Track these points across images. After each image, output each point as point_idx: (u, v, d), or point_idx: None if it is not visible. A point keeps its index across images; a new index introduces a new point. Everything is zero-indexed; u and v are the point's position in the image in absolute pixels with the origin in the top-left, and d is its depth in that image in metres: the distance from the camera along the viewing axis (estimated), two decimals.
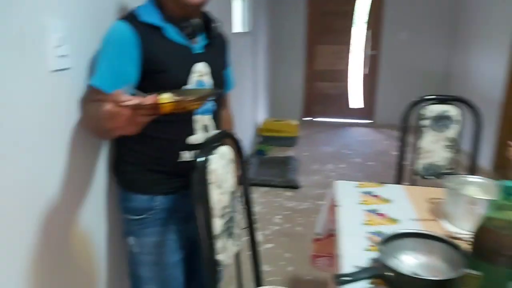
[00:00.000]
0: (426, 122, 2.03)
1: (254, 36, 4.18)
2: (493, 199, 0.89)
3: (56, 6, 0.98)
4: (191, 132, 1.18)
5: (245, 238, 1.39)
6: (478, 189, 1.36)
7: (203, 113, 1.19)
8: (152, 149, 1.18)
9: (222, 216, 1.19)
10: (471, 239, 0.91)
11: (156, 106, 0.75)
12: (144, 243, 1.23)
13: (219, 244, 1.18)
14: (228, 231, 1.24)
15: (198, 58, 1.17)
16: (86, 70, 1.12)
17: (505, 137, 3.52)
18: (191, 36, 1.16)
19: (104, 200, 1.30)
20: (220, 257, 1.19)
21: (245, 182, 1.37)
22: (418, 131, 2.04)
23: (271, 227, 2.86)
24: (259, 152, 4.27)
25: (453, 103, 2.01)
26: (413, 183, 2.03)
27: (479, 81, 4.20)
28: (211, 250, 1.14)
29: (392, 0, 5.25)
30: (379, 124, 5.60)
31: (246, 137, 4.01)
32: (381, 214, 1.35)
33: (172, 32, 1.13)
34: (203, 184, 1.10)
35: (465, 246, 0.97)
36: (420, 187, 1.63)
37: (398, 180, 2.07)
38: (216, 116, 1.27)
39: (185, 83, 1.14)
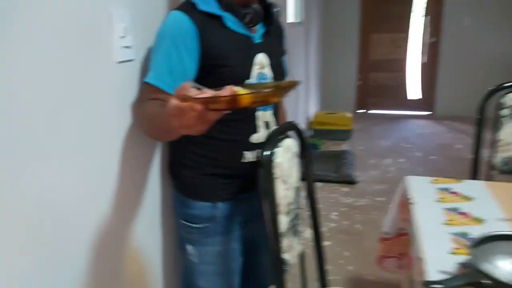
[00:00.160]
0: (506, 112, 1.82)
1: (307, 26, 4.06)
2: None
3: None
4: (254, 130, 1.09)
5: (308, 236, 1.31)
6: None
7: (265, 109, 1.11)
8: (214, 151, 1.09)
9: (288, 213, 1.12)
10: None
11: (234, 99, 0.63)
12: (204, 253, 1.14)
13: (285, 242, 1.11)
14: (294, 228, 1.17)
15: (259, 49, 1.08)
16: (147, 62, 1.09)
17: None
18: (250, 24, 1.06)
19: (158, 205, 1.22)
20: (286, 256, 1.12)
21: (309, 178, 1.28)
22: (497, 122, 1.84)
23: (327, 224, 2.75)
24: (311, 146, 4.16)
25: None
26: (489, 178, 1.83)
27: None
28: (277, 249, 1.07)
29: None
30: (440, 116, 5.27)
31: None
32: (463, 213, 1.21)
33: (232, 21, 1.03)
34: (269, 179, 1.04)
35: None
36: (504, 183, 1.46)
37: (474, 176, 1.88)
38: (277, 112, 1.19)
39: (247, 77, 1.05)
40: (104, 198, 0.95)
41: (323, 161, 3.72)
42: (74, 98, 0.82)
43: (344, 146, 4.25)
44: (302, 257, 1.29)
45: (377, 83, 5.49)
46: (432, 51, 5.20)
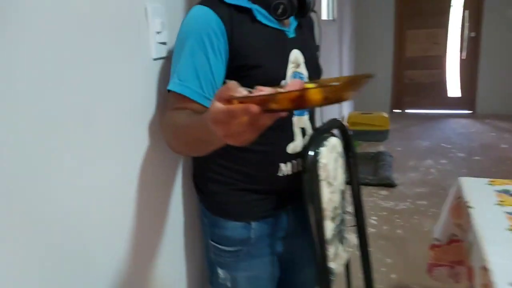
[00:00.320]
0: None
1: (340, 23, 3.95)
2: None
3: None
4: (290, 138, 0.95)
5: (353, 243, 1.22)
6: None
7: (301, 113, 0.98)
8: (246, 165, 0.94)
9: (333, 218, 1.04)
10: None
11: (302, 95, 0.50)
12: (237, 278, 1.02)
13: (331, 250, 1.03)
14: (339, 235, 1.08)
15: (293, 45, 0.95)
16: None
17: None
18: (283, 16, 0.91)
19: (182, 220, 1.08)
20: (332, 265, 1.04)
21: (354, 179, 1.19)
22: None
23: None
24: None
25: None
26: None
27: None
28: (324, 257, 0.99)
29: None
30: (482, 115, 5.00)
31: None
32: None
33: (263, 14, 0.90)
34: (314, 182, 0.96)
35: None
36: None
37: None
38: (313, 116, 1.05)
39: (283, 77, 0.92)
40: (123, 206, 0.84)
41: (359, 163, 3.58)
42: (109, 97, 0.77)
43: (381, 148, 4.09)
44: (347, 265, 1.20)
45: (414, 81, 5.27)
46: (472, 46, 4.94)
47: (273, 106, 0.50)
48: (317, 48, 1.10)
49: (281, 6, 0.90)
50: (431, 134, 4.49)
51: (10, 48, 0.55)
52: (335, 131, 1.12)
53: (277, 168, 0.95)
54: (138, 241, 0.87)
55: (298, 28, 0.98)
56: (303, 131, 0.98)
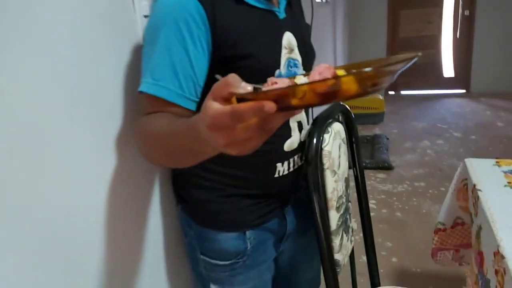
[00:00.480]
0: None
1: (333, 5, 3.86)
2: None
3: None
4: (287, 135, 0.84)
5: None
6: None
7: None
8: (238, 167, 0.82)
9: (338, 208, 0.99)
10: None
11: (336, 85, 0.38)
12: None
13: (336, 241, 0.98)
14: (344, 224, 1.04)
15: (285, 26, 0.82)
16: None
17: None
18: None
19: (161, 233, 0.93)
20: (338, 256, 1.00)
21: (358, 166, 1.15)
22: None
23: None
24: None
25: None
26: None
27: None
28: (329, 249, 0.95)
29: None
30: (477, 94, 4.97)
31: None
32: None
33: None
34: (318, 171, 0.90)
35: None
36: None
37: None
38: (308, 108, 0.95)
39: (277, 66, 0.79)
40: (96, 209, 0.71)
41: None
42: (96, 86, 0.70)
43: (376, 130, 4.05)
44: (352, 255, 1.16)
45: None
46: (466, 25, 4.88)
47: (294, 102, 0.39)
48: (308, 27, 0.97)
49: None
50: (427, 115, 4.46)
51: None
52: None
53: (274, 168, 0.83)
54: (110, 261, 0.74)
55: (288, 6, 0.86)
56: (300, 125, 0.87)
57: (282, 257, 0.98)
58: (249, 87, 0.41)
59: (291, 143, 0.85)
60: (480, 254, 1.06)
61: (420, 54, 0.43)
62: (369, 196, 2.76)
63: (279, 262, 0.98)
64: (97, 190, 0.71)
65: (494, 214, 1.00)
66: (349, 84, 0.38)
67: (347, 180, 1.07)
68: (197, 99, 0.72)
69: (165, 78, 0.68)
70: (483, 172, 1.23)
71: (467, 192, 1.27)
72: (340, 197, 0.99)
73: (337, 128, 0.98)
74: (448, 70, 5.12)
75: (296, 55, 0.83)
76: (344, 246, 1.03)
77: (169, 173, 0.94)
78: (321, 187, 0.90)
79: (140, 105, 0.72)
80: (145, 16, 0.82)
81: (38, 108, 0.57)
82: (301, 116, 0.89)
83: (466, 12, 4.83)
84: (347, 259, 1.10)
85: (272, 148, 0.82)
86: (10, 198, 0.52)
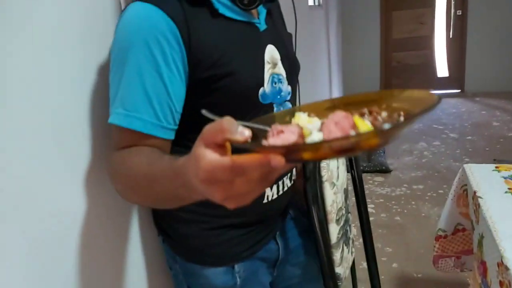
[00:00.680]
0: None
1: (326, 8, 3.86)
2: None
3: None
4: None
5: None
6: None
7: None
8: None
9: (338, 220, 0.97)
10: None
11: (357, 143, 0.34)
12: None
13: (337, 254, 0.96)
14: (344, 236, 1.01)
15: (266, 39, 0.75)
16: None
17: None
18: (251, 5, 0.69)
19: (143, 269, 0.86)
20: (339, 270, 0.97)
21: (356, 170, 1.12)
22: None
23: None
24: None
25: None
26: None
27: None
28: (330, 264, 0.92)
29: None
30: (471, 93, 4.98)
31: None
32: None
33: (225, 5, 0.68)
34: (316, 183, 0.88)
35: None
36: None
37: None
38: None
39: (261, 83, 0.71)
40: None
41: None
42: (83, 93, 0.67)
43: None
44: (353, 267, 1.13)
45: (402, 63, 5.22)
46: (458, 25, 4.89)
47: (306, 156, 0.35)
48: (291, 37, 0.88)
49: None
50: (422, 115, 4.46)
51: None
52: None
53: (262, 194, 0.72)
54: None
55: (268, 16, 0.78)
56: None
57: (279, 280, 0.92)
58: (246, 132, 0.36)
59: None
60: (483, 263, 1.04)
61: (440, 98, 0.39)
62: (368, 200, 2.74)
63: (277, 285, 0.93)
64: (72, 220, 0.66)
65: (496, 223, 0.98)
66: (370, 139, 0.35)
67: (346, 191, 1.05)
68: (176, 127, 0.66)
69: (137, 107, 0.60)
70: (483, 178, 1.22)
71: (467, 198, 1.25)
72: (340, 209, 0.97)
73: None
74: (442, 70, 5.13)
75: (280, 69, 0.76)
76: (345, 258, 1.01)
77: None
78: (320, 201, 0.88)
79: (113, 137, 0.64)
80: None
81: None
82: None
83: (459, 12, 4.84)
84: (348, 271, 1.07)
85: None
86: None
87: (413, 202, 2.68)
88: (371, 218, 2.53)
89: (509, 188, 1.15)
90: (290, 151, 0.35)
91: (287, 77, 0.77)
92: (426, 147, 3.58)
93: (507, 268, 0.84)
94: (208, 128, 0.37)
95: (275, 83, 0.74)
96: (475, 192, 1.14)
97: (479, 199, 1.10)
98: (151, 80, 0.60)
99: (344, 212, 1.00)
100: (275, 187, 0.78)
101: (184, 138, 0.67)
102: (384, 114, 0.39)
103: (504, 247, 0.89)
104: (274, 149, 0.34)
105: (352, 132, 0.35)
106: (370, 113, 0.40)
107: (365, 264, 1.20)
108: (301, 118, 0.41)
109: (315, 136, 0.36)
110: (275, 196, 0.78)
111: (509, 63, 4.77)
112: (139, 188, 0.57)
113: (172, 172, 0.47)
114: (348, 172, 1.09)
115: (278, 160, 0.33)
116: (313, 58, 3.12)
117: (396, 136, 0.37)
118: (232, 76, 0.66)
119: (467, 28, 4.86)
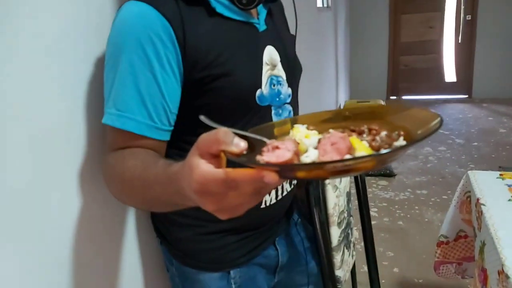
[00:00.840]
0: None
1: (335, 10, 3.85)
2: None
3: None
4: None
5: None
6: None
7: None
8: None
9: (339, 223, 0.97)
10: None
11: (351, 165, 0.35)
12: None
13: (337, 257, 0.96)
14: (346, 240, 1.02)
15: (266, 40, 0.73)
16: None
17: None
18: (249, 5, 0.68)
19: (140, 271, 0.85)
20: (339, 273, 0.98)
21: (359, 176, 1.12)
22: None
23: None
24: None
25: None
26: None
27: None
28: (330, 266, 0.92)
29: None
30: (479, 99, 4.95)
31: None
32: None
33: (223, 4, 0.67)
34: (318, 187, 0.88)
35: None
36: None
37: None
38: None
39: (259, 85, 0.70)
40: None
41: None
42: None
43: None
44: (353, 270, 1.14)
45: (409, 67, 5.20)
46: (467, 30, 4.86)
47: (300, 174, 0.36)
48: (293, 39, 0.84)
49: None
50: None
51: None
52: None
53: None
54: None
55: (269, 16, 0.77)
56: None
57: (280, 287, 0.89)
58: (242, 144, 0.36)
59: None
60: (484, 271, 1.04)
61: (441, 119, 0.38)
62: (371, 204, 2.75)
63: None
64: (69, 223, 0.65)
65: (498, 231, 0.98)
66: (367, 163, 0.34)
67: (348, 194, 1.05)
68: (171, 128, 0.65)
69: (131, 108, 0.59)
70: (487, 185, 1.21)
71: (470, 205, 1.25)
72: (341, 212, 0.97)
73: None
74: (450, 75, 5.10)
75: (280, 71, 0.74)
76: (345, 261, 1.01)
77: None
78: (322, 203, 0.88)
79: (108, 137, 0.64)
80: None
81: None
82: None
83: (468, 17, 4.81)
84: (348, 274, 1.07)
85: None
86: None
87: (417, 207, 2.67)
88: (373, 222, 2.54)
89: None
90: (284, 169, 0.35)
91: (287, 79, 0.76)
92: (432, 152, 3.56)
93: (507, 277, 0.84)
94: (203, 138, 0.37)
95: (274, 85, 0.72)
96: (478, 199, 1.14)
97: (482, 206, 1.10)
98: (145, 80, 0.60)
99: (346, 215, 1.00)
100: (273, 192, 0.76)
101: (180, 140, 0.67)
102: (383, 133, 0.38)
103: (506, 255, 0.89)
104: (268, 166, 0.35)
105: (347, 156, 0.35)
106: (370, 131, 0.40)
107: (366, 268, 1.20)
108: (299, 131, 0.41)
109: (311, 154, 0.36)
110: (274, 201, 0.77)
111: None
112: (133, 193, 0.56)
113: (166, 178, 0.47)
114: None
115: (271, 177, 0.34)
116: (321, 59, 3.11)
117: (392, 160, 0.37)
118: (228, 76, 0.65)
119: (476, 34, 4.83)
